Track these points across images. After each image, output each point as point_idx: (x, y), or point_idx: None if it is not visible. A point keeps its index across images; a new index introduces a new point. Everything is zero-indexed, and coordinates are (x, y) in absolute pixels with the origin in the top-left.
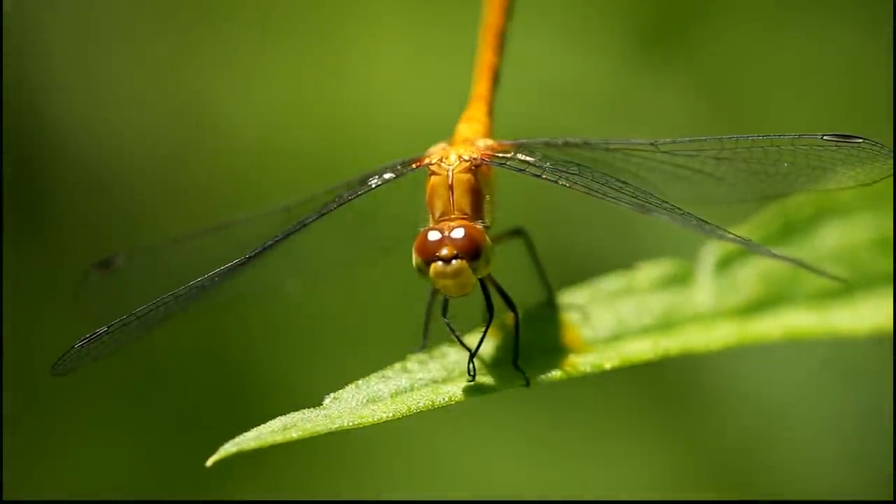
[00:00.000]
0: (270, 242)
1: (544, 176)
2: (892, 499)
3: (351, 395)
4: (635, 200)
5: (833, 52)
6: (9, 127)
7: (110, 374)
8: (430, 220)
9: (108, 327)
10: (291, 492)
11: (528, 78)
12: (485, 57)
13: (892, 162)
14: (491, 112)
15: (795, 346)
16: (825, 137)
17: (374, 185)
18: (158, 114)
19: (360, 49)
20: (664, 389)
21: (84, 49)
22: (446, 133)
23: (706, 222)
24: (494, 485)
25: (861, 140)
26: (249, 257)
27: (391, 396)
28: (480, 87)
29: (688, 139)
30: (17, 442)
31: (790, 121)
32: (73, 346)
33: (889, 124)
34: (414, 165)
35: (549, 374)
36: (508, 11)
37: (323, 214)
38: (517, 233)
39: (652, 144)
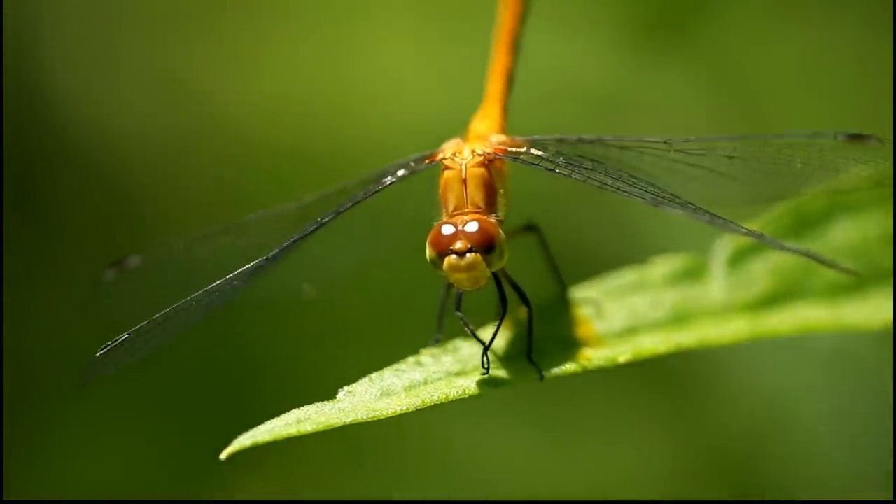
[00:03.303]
0: (288, 243)
1: (557, 170)
2: (892, 499)
3: (365, 389)
4: (648, 194)
5: (841, 45)
6: (11, 123)
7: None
8: (444, 214)
9: (130, 334)
10: (296, 490)
11: (538, 76)
12: (499, 58)
13: None
14: (505, 110)
15: (800, 341)
16: (839, 137)
17: (388, 183)
18: (165, 109)
19: (373, 45)
20: (669, 384)
21: (87, 44)
22: (460, 131)
23: (717, 216)
24: (495, 479)
25: (874, 140)
26: (269, 259)
27: (405, 390)
28: (494, 86)
29: (701, 138)
30: (18, 442)
31: (799, 114)
32: (95, 355)
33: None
34: (427, 161)
35: (563, 368)
36: (523, 16)
37: (339, 213)
38: (530, 228)
39: (665, 143)
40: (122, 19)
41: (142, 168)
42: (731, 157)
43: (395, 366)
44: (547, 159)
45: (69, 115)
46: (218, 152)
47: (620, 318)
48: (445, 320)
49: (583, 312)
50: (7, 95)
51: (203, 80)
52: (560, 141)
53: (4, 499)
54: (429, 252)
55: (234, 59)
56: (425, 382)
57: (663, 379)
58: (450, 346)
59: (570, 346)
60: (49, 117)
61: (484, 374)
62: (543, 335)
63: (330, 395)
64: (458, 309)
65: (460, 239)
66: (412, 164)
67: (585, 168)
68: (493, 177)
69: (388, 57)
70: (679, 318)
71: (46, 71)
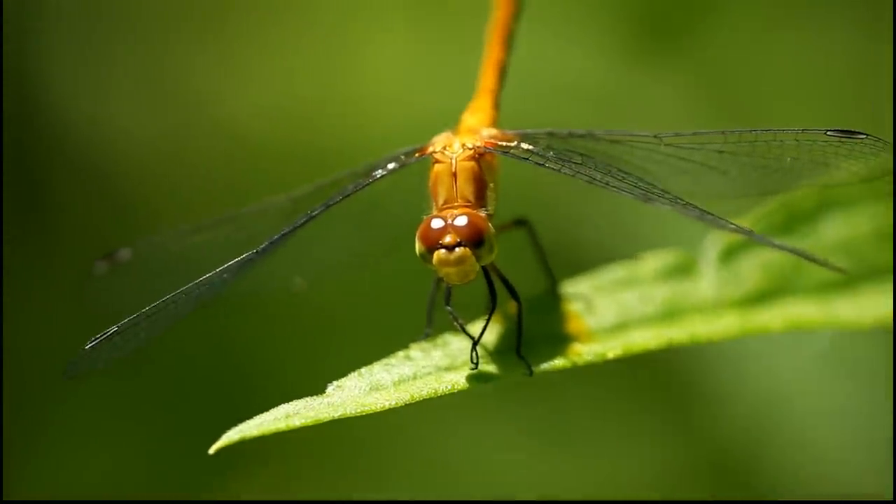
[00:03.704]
0: (278, 236)
1: (547, 164)
2: (892, 499)
3: (354, 384)
4: (638, 190)
5: (834, 47)
6: (8, 122)
7: (111, 369)
8: (434, 208)
9: (119, 327)
10: (293, 490)
11: (529, 74)
12: (491, 52)
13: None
14: (497, 104)
15: (798, 340)
16: (829, 133)
17: (378, 176)
18: (161, 110)
19: (369, 45)
20: (665, 384)
21: (86, 45)
22: (450, 126)
23: (707, 212)
24: (492, 480)
25: (864, 136)
26: (259, 251)
27: (394, 384)
28: (487, 80)
29: (691, 132)
30: (14, 441)
31: (791, 117)
32: (84, 348)
33: (890, 119)
34: (417, 154)
35: (552, 363)
36: (517, 10)
37: (329, 206)
38: (520, 222)
39: (655, 137)
40: (120, 21)
41: (139, 169)
42: (721, 152)
43: (385, 360)
44: (537, 153)
45: (68, 114)
46: (214, 154)
47: (611, 313)
48: (435, 314)
49: (573, 307)
50: (6, 94)
51: (200, 82)
52: (551, 135)
53: (4, 499)
54: (418, 246)
55: (231, 61)
56: (415, 377)
57: (659, 379)
58: (439, 340)
59: (559, 341)
60: (46, 117)
61: (473, 368)
62: (533, 330)
63: (319, 389)
64: (447, 303)
65: (450, 233)
66: (402, 157)
67: (575, 163)
68: (484, 170)
69: (385, 57)
70: (669, 314)
71: (44, 71)
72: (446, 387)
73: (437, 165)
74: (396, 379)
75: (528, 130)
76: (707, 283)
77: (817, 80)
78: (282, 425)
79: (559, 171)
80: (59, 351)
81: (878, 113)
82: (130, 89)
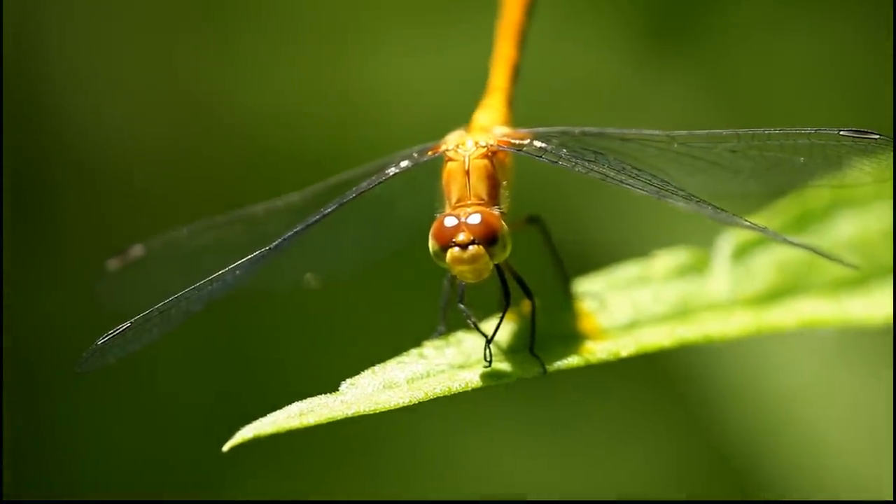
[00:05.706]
0: (291, 233)
1: (561, 162)
2: (893, 499)
3: (367, 381)
4: (651, 187)
5: (844, 46)
6: (13, 122)
7: (119, 366)
8: (447, 206)
9: (131, 323)
10: (299, 489)
11: (543, 72)
12: (503, 49)
13: None
14: (509, 102)
15: (804, 340)
16: (842, 133)
17: (392, 174)
18: (166, 108)
19: (375, 40)
20: (670, 382)
21: (89, 43)
22: (463, 125)
23: (721, 209)
24: (495, 479)
25: (877, 136)
26: (271, 248)
27: (407, 382)
28: (498, 78)
29: (704, 132)
30: (18, 439)
31: (799, 116)
32: (96, 343)
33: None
34: (430, 152)
35: (566, 361)
36: (529, 7)
37: (342, 204)
38: (533, 220)
39: (668, 136)
40: (129, 20)
41: (152, 166)
42: (733, 152)
43: (398, 358)
44: (550, 151)
45: (79, 113)
46: (227, 152)
47: (624, 311)
48: (448, 313)
49: (586, 305)
50: (18, 95)
51: (211, 81)
52: (564, 133)
53: (4, 499)
54: (432, 244)
55: (241, 60)
56: (428, 375)
57: (665, 377)
58: (453, 338)
59: (573, 339)
60: (58, 114)
61: (487, 366)
62: (546, 328)
63: (333, 387)
64: (461, 301)
65: (463, 231)
66: (415, 155)
67: (588, 160)
68: (496, 168)
69: (397, 55)
70: (683, 312)
71: (53, 71)
72: (459, 385)
73: (449, 163)
74: (410, 377)
75: (541, 129)
76: (720, 281)
77: (828, 79)
78: (296, 423)
79: (572, 168)
80: (71, 348)
81: (886, 111)
82: (143, 88)
